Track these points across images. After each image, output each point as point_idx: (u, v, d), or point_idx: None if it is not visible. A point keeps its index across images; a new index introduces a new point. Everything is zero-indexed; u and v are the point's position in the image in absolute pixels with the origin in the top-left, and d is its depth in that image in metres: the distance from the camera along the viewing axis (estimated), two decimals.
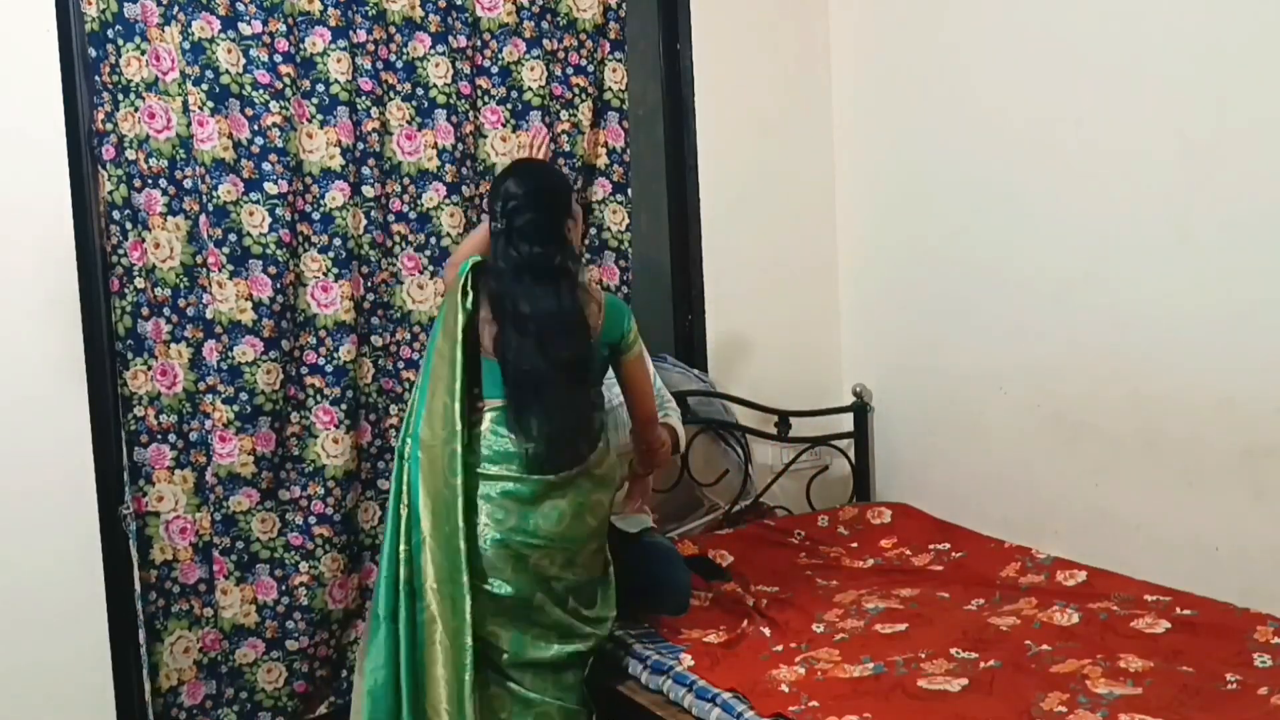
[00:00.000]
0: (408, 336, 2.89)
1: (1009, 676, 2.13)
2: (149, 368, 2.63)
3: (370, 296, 2.85)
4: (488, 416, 2.28)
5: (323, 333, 2.76)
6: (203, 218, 2.63)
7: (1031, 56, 2.94)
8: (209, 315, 2.64)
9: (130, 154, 2.58)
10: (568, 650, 2.28)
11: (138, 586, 2.62)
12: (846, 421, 3.53)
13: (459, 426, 2.22)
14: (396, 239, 2.88)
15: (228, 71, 2.61)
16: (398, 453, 2.35)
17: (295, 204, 2.71)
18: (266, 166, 2.66)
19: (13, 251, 2.50)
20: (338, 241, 2.76)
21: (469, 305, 2.28)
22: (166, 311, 2.63)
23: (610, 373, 2.45)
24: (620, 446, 2.60)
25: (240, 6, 2.65)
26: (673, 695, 2.23)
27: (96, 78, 2.55)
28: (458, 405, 2.23)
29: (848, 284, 3.64)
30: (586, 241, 3.16)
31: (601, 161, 3.18)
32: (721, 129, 3.41)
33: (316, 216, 2.75)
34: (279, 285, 2.68)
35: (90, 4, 2.52)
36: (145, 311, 2.62)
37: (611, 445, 2.43)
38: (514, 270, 2.26)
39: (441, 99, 2.89)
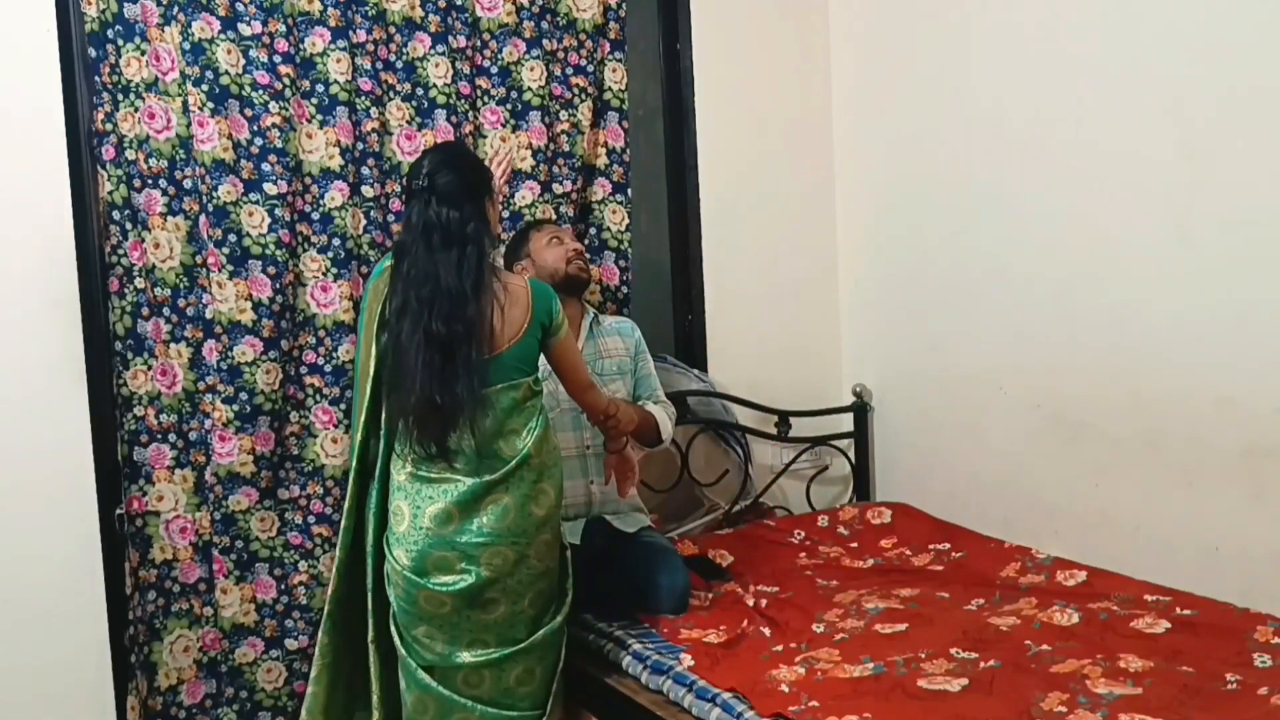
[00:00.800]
0: None
1: (1009, 676, 2.12)
2: (149, 367, 2.63)
3: None
4: None
5: (322, 332, 2.76)
6: (202, 218, 2.63)
7: (1031, 56, 2.94)
8: (209, 315, 2.64)
9: (130, 154, 2.58)
10: (506, 653, 2.23)
11: (128, 588, 2.62)
12: (846, 421, 3.53)
13: (356, 465, 2.31)
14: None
15: (227, 72, 2.62)
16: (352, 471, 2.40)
17: (295, 204, 2.71)
18: (266, 167, 2.66)
19: (13, 251, 2.50)
20: (337, 241, 2.76)
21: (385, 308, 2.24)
22: (166, 311, 2.63)
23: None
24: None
25: (240, 7, 2.65)
26: (673, 695, 2.23)
27: (96, 78, 2.55)
28: (357, 435, 2.29)
29: (848, 284, 3.63)
30: (586, 242, 3.16)
31: (601, 161, 3.18)
32: (721, 129, 3.41)
33: (316, 216, 2.75)
34: (279, 285, 2.68)
35: (90, 4, 2.53)
36: (145, 311, 2.62)
37: (551, 431, 2.35)
38: (424, 228, 2.19)
39: (441, 99, 2.89)
